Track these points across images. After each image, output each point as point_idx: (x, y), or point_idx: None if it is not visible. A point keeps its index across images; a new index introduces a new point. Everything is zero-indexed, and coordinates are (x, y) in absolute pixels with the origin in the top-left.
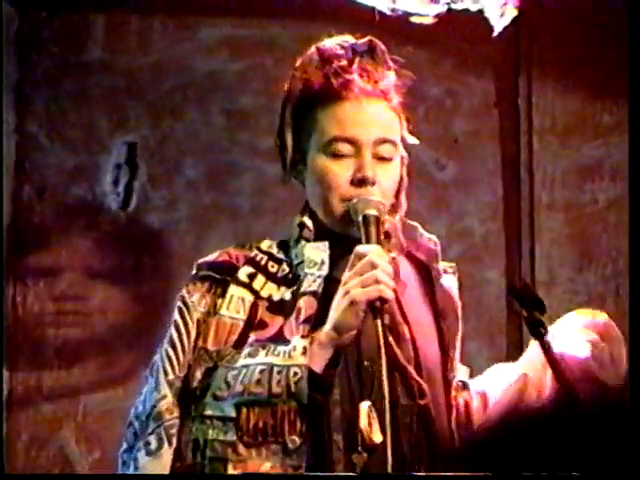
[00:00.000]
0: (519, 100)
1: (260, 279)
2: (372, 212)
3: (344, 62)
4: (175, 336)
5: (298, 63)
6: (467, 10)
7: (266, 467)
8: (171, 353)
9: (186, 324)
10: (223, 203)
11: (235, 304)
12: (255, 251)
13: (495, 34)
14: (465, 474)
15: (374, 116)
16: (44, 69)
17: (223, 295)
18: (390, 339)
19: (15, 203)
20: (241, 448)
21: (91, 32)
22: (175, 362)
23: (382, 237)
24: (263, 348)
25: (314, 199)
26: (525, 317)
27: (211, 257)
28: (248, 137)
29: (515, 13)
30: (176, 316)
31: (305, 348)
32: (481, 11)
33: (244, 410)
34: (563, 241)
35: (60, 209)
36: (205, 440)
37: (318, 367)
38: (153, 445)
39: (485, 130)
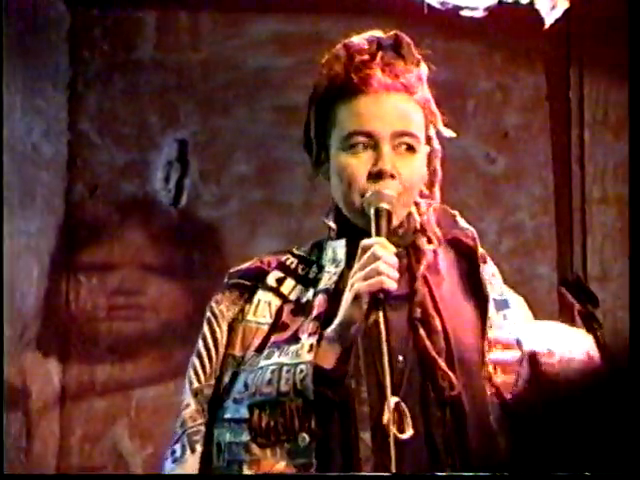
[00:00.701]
0: (570, 92)
1: (289, 283)
2: (384, 206)
3: (366, 56)
4: (201, 346)
5: (324, 59)
6: (518, 2)
7: (280, 466)
8: (196, 363)
9: (213, 333)
10: (273, 199)
11: (261, 309)
12: (287, 255)
13: (546, 26)
14: (465, 474)
15: (393, 109)
16: (96, 67)
17: (251, 301)
18: (421, 332)
19: (68, 200)
20: (255, 448)
21: (142, 30)
22: (200, 371)
23: (391, 231)
24: (278, 349)
25: (337, 195)
26: (578, 311)
27: (243, 265)
28: (297, 132)
29: (567, 5)
30: (204, 326)
31: (312, 345)
32: (532, 3)
33: (256, 411)
34: (615, 235)
35: (112, 206)
36: (225, 443)
37: (327, 363)
38: (178, 452)
39: (536, 123)
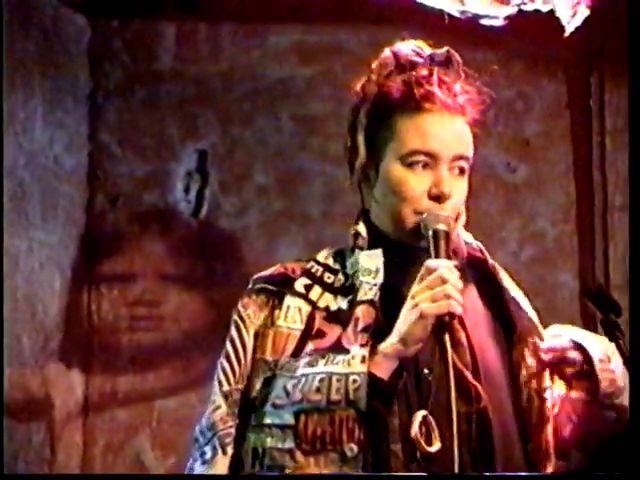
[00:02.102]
0: (591, 101)
1: (316, 290)
2: (442, 227)
3: (425, 72)
4: (230, 349)
5: (374, 66)
6: (538, 11)
7: None
8: (226, 365)
9: (241, 337)
10: (293, 209)
11: (292, 314)
12: (312, 263)
13: (567, 34)
14: (465, 474)
15: (454, 131)
16: (116, 79)
17: (280, 306)
18: (448, 344)
19: (89, 212)
20: (299, 455)
21: (162, 41)
22: (230, 374)
23: (450, 252)
24: (323, 357)
25: (384, 207)
26: (600, 320)
27: (267, 271)
28: (318, 142)
29: (587, 13)
30: (232, 330)
31: (364, 357)
32: (552, 11)
33: (302, 418)
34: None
35: (133, 217)
36: (264, 449)
37: (382, 376)
38: (208, 455)
39: (557, 131)
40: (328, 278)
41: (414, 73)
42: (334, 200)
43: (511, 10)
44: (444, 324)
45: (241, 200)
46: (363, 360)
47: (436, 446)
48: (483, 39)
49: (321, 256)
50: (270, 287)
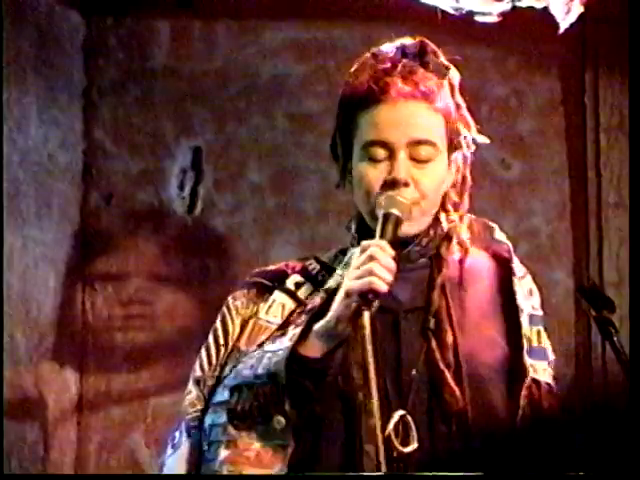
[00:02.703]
0: (585, 98)
1: (307, 288)
2: (393, 211)
3: (388, 64)
4: (211, 338)
5: (352, 68)
6: (532, 7)
7: (255, 447)
8: (203, 354)
9: (224, 326)
10: (288, 207)
11: (274, 309)
12: (311, 260)
13: (561, 31)
14: (465, 474)
15: (409, 117)
16: (110, 76)
17: (266, 300)
18: (433, 344)
19: (83, 210)
20: (231, 429)
21: (156, 38)
22: (206, 362)
23: (398, 238)
24: (271, 341)
25: (358, 204)
26: (594, 317)
27: (268, 267)
28: (312, 140)
29: (581, 9)
30: (217, 319)
31: (293, 335)
32: (546, 8)
33: (235, 394)
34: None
35: (127, 214)
36: (207, 426)
37: (311, 354)
38: (176, 438)
39: (551, 129)
40: (322, 277)
41: (378, 66)
42: (329, 198)
43: (505, 7)
44: (366, 301)
45: (235, 198)
46: (291, 337)
47: (412, 446)
48: (477, 36)
49: (325, 254)
50: (264, 281)
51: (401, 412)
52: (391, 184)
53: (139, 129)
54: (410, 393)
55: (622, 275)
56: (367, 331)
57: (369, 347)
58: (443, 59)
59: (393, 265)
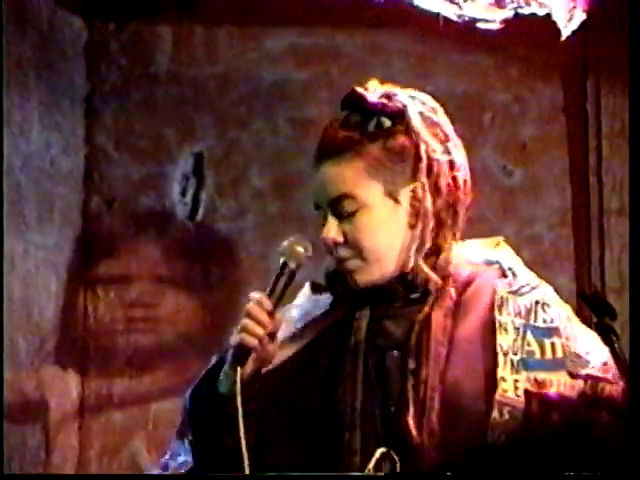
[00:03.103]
0: (587, 104)
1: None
2: (289, 262)
3: (336, 123)
4: None
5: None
6: (534, 15)
7: None
8: None
9: None
10: (290, 212)
11: None
12: None
13: (563, 38)
14: (464, 474)
15: (325, 177)
16: (112, 81)
17: None
18: (409, 383)
19: (85, 214)
20: None
21: (158, 44)
22: None
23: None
24: None
25: None
26: (596, 323)
27: None
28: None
29: (583, 17)
30: None
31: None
32: (549, 15)
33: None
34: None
35: (129, 219)
36: None
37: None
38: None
39: (553, 135)
40: None
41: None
42: None
43: (507, 14)
44: (237, 356)
45: (237, 203)
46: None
47: None
48: (479, 43)
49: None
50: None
51: (382, 449)
52: (327, 245)
53: (141, 134)
54: (393, 431)
55: (624, 281)
56: (237, 386)
57: (239, 401)
58: (396, 99)
59: (267, 320)
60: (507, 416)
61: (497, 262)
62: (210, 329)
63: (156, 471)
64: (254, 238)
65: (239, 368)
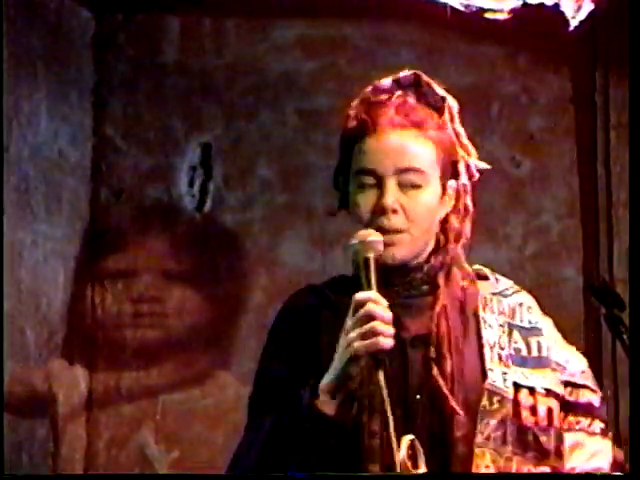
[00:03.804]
0: (596, 95)
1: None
2: (370, 254)
3: (384, 96)
4: None
5: (353, 102)
6: (542, 4)
7: None
8: None
9: None
10: (298, 203)
11: None
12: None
13: (571, 28)
14: (464, 474)
15: (397, 146)
16: (120, 72)
17: None
18: (434, 371)
19: (93, 206)
20: None
21: (166, 34)
22: None
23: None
24: None
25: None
26: (604, 315)
27: None
28: (322, 137)
29: (592, 6)
30: None
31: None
32: (557, 5)
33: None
34: None
35: (137, 211)
36: None
37: (328, 412)
38: None
39: (561, 126)
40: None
41: (372, 99)
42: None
43: (516, 3)
44: (378, 361)
45: (245, 194)
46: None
47: (422, 469)
48: (487, 33)
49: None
50: None
51: (411, 436)
52: (380, 211)
53: (149, 125)
54: (417, 417)
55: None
56: (385, 391)
57: (387, 401)
58: (438, 89)
59: (391, 316)
60: (496, 405)
61: (479, 267)
62: (217, 320)
63: (164, 462)
64: (261, 229)
65: (381, 372)
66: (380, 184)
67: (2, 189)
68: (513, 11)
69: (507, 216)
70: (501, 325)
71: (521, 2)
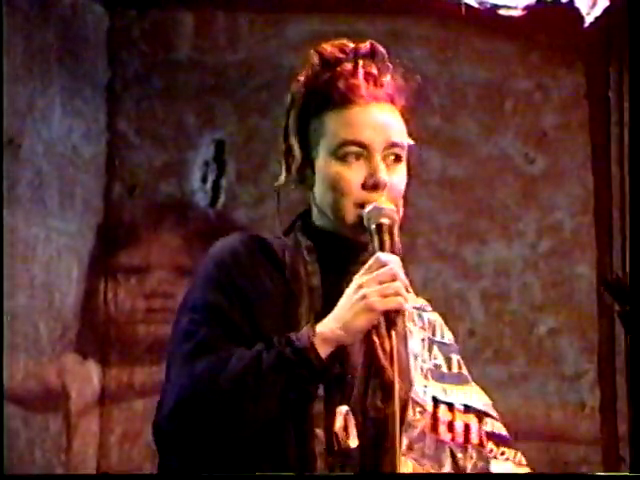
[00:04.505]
0: (610, 92)
1: None
2: (385, 221)
3: (349, 65)
4: None
5: (302, 69)
6: (557, 1)
7: None
8: None
9: None
10: (309, 198)
11: None
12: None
13: (586, 25)
14: (464, 474)
15: (384, 120)
16: (134, 68)
17: None
18: (379, 350)
19: (106, 201)
20: None
21: (180, 30)
22: None
23: (395, 248)
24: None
25: (326, 205)
26: (618, 312)
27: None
28: None
29: (606, 3)
30: None
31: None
32: (571, 2)
33: None
34: None
35: (150, 206)
36: None
37: (323, 356)
38: None
39: (575, 123)
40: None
41: (338, 68)
42: None
43: (530, 0)
44: (391, 320)
45: (258, 190)
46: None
47: (354, 443)
48: (501, 29)
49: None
50: None
51: (346, 407)
52: (373, 187)
53: (162, 121)
54: (350, 394)
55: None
56: (395, 350)
57: (396, 367)
58: (388, 62)
59: (408, 282)
60: (418, 415)
61: None
62: None
63: None
64: (274, 225)
65: (394, 332)
66: (367, 157)
67: (2, 184)
68: (527, 8)
69: (520, 213)
70: (422, 339)
71: None
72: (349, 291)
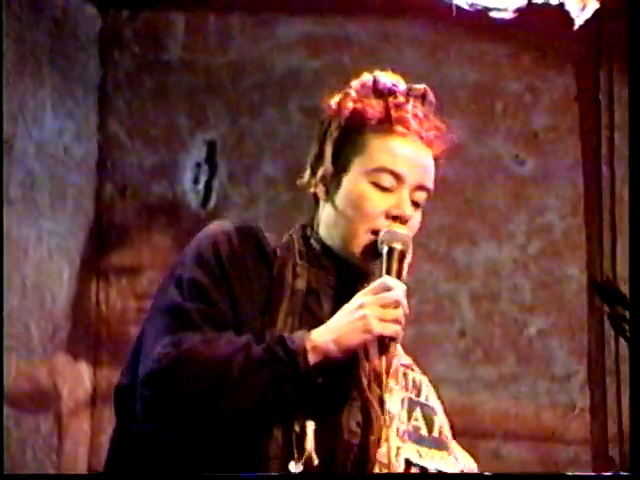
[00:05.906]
0: (600, 94)
1: None
2: (398, 246)
3: (402, 99)
4: None
5: (353, 84)
6: (547, 3)
7: None
8: None
9: None
10: (302, 200)
11: None
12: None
13: (576, 27)
14: (464, 474)
15: (423, 161)
16: (125, 68)
17: None
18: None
19: (97, 202)
20: None
21: (171, 31)
22: None
23: (402, 274)
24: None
25: (338, 221)
26: (608, 313)
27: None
28: None
29: (597, 6)
30: None
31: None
32: (562, 4)
33: None
34: None
35: (141, 207)
36: None
37: (311, 362)
38: None
39: (565, 125)
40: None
41: (391, 98)
42: None
43: (521, 2)
44: (384, 346)
45: (250, 191)
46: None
47: (316, 462)
48: (492, 31)
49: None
50: None
51: (313, 424)
52: (395, 218)
53: (154, 122)
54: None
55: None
56: (384, 377)
57: (385, 394)
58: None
59: (407, 312)
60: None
61: None
62: None
63: None
64: (266, 226)
65: (385, 358)
66: (398, 190)
67: (2, 184)
68: (518, 10)
69: (511, 214)
70: (402, 399)
71: (526, 1)
72: (349, 307)
